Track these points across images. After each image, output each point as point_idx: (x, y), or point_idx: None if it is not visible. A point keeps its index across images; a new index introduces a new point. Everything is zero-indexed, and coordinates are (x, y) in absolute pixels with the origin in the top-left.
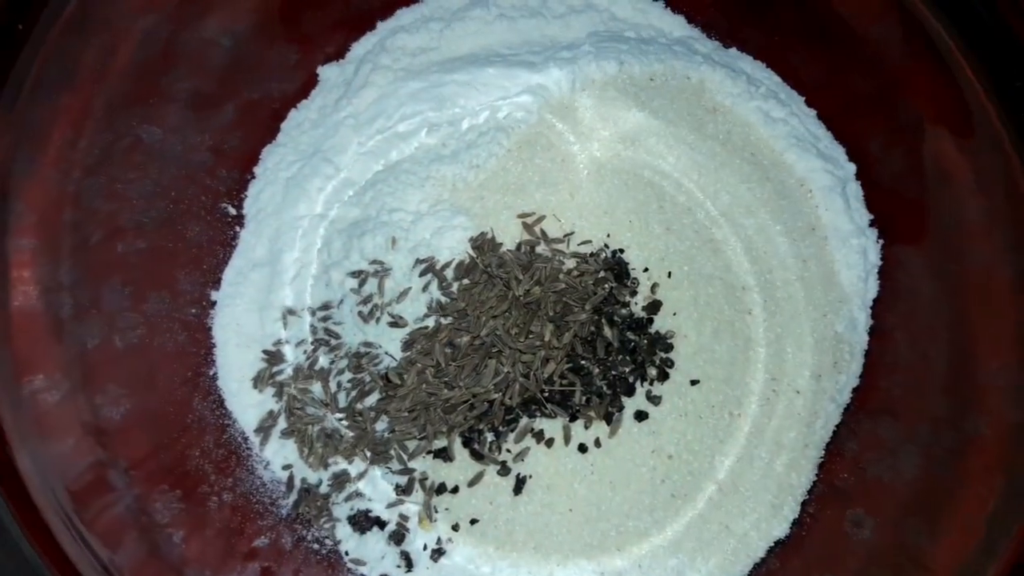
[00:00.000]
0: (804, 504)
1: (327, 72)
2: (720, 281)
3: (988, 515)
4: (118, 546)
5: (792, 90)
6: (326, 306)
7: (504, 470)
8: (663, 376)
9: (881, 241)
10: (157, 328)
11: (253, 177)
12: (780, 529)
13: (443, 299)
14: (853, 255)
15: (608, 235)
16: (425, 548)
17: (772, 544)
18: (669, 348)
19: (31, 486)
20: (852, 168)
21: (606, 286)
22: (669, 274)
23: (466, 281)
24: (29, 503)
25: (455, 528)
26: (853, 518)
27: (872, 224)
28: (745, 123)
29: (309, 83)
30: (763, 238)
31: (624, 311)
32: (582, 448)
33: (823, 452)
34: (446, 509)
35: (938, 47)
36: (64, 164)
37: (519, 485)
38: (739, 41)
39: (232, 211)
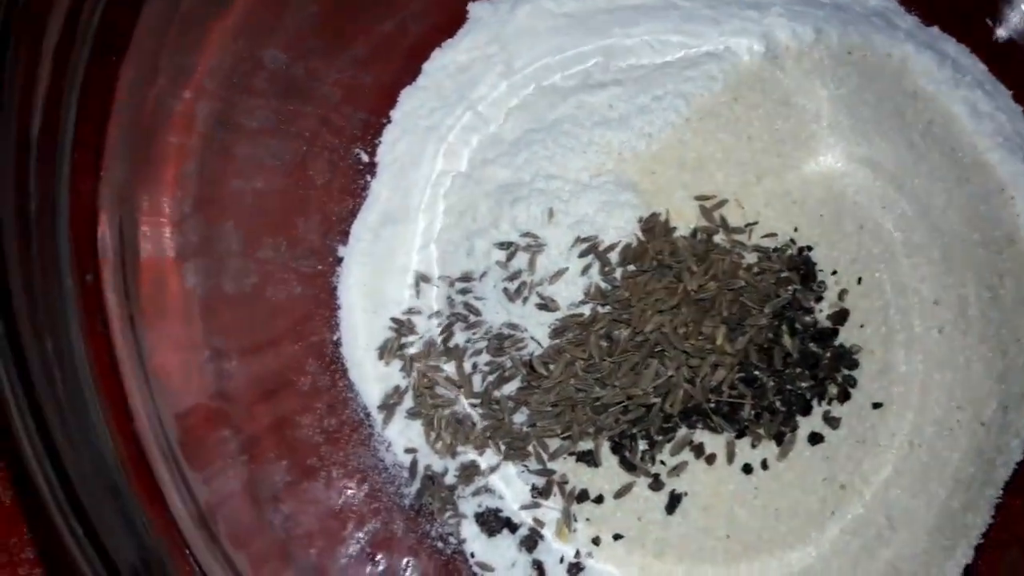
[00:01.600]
0: (978, 549)
1: (478, 9)
2: (913, 292)
3: None
4: (221, 502)
5: (999, 82)
6: (467, 277)
7: (657, 484)
8: (845, 396)
9: None
10: (271, 279)
11: (389, 121)
12: (952, 574)
13: (604, 285)
14: None
15: (796, 229)
16: (562, 560)
17: None
18: (854, 365)
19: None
20: None
21: (789, 288)
22: (859, 280)
23: (632, 268)
24: (139, 448)
25: (596, 542)
26: None
27: None
28: (948, 114)
29: (456, 20)
30: (959, 247)
31: (808, 318)
32: (747, 468)
33: (1001, 492)
34: (587, 520)
35: None
36: (181, 88)
37: (673, 502)
38: (941, 20)
39: (364, 157)
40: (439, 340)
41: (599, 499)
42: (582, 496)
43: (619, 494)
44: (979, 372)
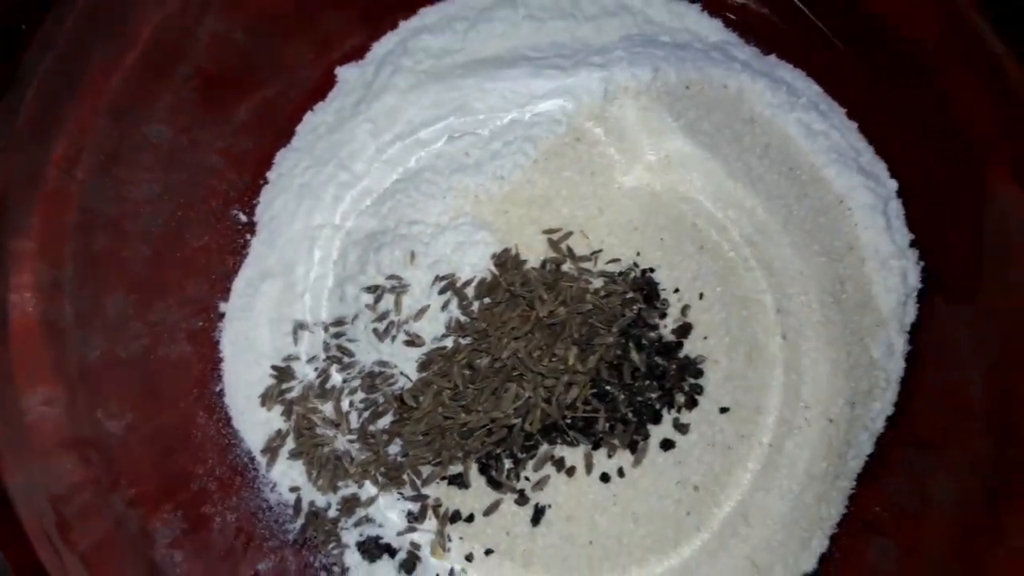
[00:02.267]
0: (833, 538)
1: (346, 73)
2: (755, 303)
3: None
4: (114, 571)
5: (833, 101)
6: (340, 322)
7: (522, 499)
8: (692, 403)
9: (922, 263)
10: (162, 339)
11: (266, 182)
12: (808, 563)
13: (463, 318)
14: (892, 277)
15: (638, 253)
16: None
17: None
18: (699, 374)
19: (19, 505)
20: (894, 185)
21: (634, 308)
22: (701, 295)
23: (487, 300)
24: (15, 524)
25: (469, 559)
26: (884, 553)
27: (913, 245)
28: (784, 135)
29: (326, 84)
30: (799, 258)
31: (653, 334)
32: (604, 478)
33: (854, 483)
34: (460, 538)
35: (993, 62)
36: (67, 165)
37: (537, 515)
38: (778, 48)
39: (243, 218)
40: (316, 383)
41: (470, 518)
42: (455, 516)
43: (488, 511)
44: (825, 372)
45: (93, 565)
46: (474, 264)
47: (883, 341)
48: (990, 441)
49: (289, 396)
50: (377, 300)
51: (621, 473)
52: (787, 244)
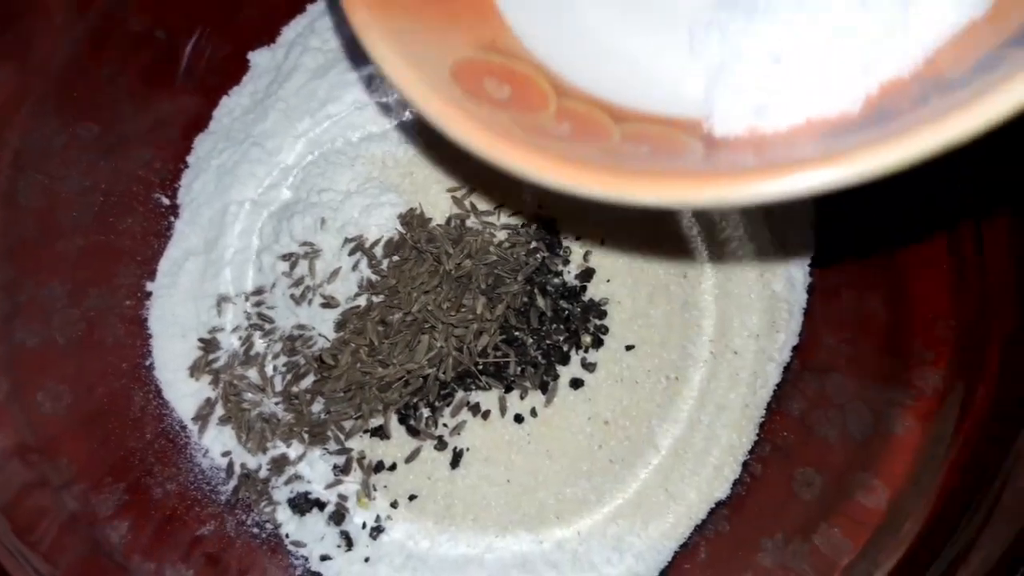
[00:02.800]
0: (746, 464)
1: (258, 57)
2: (655, 244)
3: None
4: (59, 547)
5: None
6: (259, 291)
7: (441, 445)
8: (597, 343)
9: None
10: (96, 323)
11: (186, 166)
12: (721, 490)
13: (373, 277)
14: (790, 211)
15: (540, 206)
16: (364, 527)
17: (714, 505)
18: (603, 315)
19: None
20: None
21: (538, 256)
22: (602, 240)
23: (396, 258)
24: None
25: (394, 505)
26: (797, 475)
27: None
28: None
29: (242, 70)
30: None
31: (557, 280)
32: (518, 419)
33: (764, 412)
34: (384, 487)
35: None
36: None
37: (456, 459)
38: None
39: (166, 201)
40: (241, 351)
41: (393, 467)
42: (378, 467)
43: (409, 459)
44: (726, 307)
45: (48, 547)
46: (381, 225)
47: (783, 275)
48: (886, 363)
49: (216, 366)
50: (292, 267)
51: (534, 413)
52: None
